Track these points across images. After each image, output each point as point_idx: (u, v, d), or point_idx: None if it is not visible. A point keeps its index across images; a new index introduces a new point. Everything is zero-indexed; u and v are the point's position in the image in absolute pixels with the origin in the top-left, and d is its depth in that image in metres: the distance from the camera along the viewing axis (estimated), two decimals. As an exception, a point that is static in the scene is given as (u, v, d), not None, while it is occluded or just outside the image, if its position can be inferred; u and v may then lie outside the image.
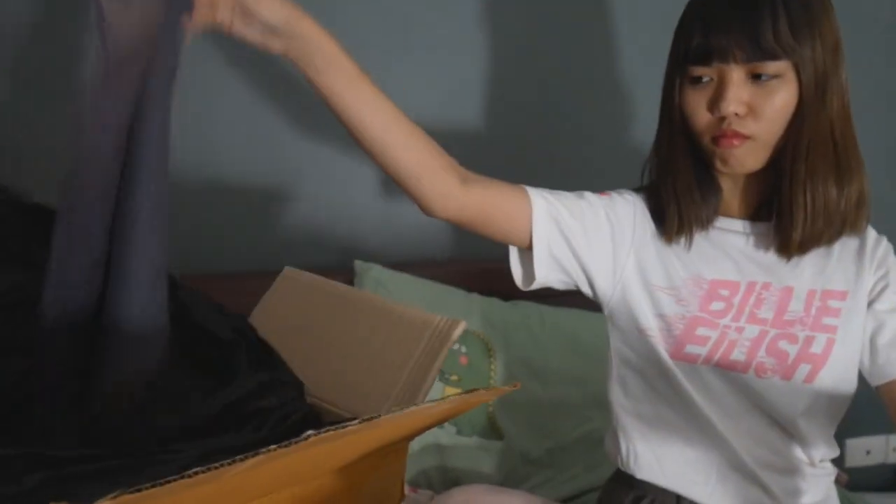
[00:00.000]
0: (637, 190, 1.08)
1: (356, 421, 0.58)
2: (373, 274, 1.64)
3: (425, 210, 0.94)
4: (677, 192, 0.98)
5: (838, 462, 2.08)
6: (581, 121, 1.86)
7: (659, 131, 1.01)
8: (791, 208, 0.93)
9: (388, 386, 0.86)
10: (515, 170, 1.80)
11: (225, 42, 1.62)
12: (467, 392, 0.71)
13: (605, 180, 1.24)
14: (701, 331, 0.98)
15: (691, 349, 0.98)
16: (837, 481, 1.82)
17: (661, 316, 1.00)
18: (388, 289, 1.62)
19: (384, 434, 0.66)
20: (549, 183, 1.80)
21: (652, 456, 1.04)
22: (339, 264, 1.73)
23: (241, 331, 0.88)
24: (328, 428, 0.56)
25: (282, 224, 1.77)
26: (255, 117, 1.72)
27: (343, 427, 0.56)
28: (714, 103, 0.90)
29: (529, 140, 1.84)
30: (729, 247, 1.01)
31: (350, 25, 1.73)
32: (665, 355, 0.99)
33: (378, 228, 1.80)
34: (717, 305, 0.99)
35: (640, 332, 1.01)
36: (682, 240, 1.01)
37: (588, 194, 1.05)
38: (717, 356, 0.97)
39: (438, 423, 0.77)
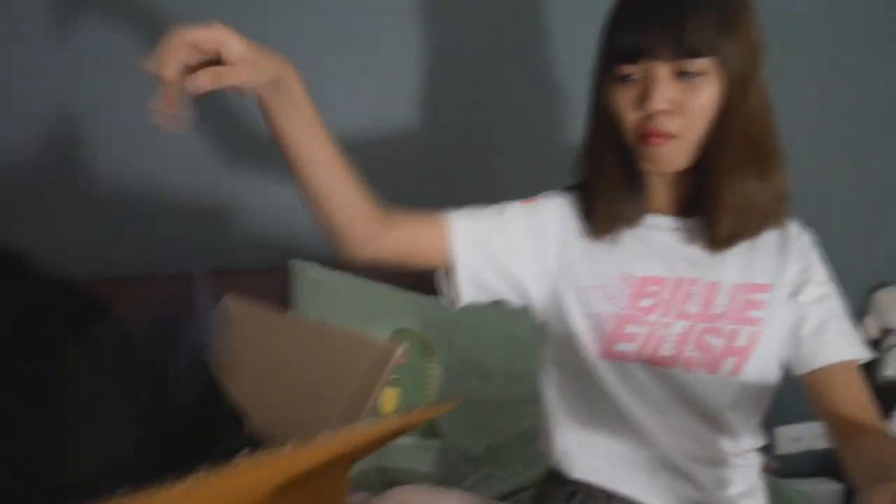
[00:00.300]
0: (568, 189, 1.09)
1: (289, 444, 0.56)
2: (310, 274, 1.61)
3: (347, 252, 0.97)
4: (605, 190, 0.99)
5: (768, 450, 2.16)
6: (517, 120, 1.86)
7: (587, 130, 1.02)
8: (717, 204, 0.95)
9: (330, 409, 0.85)
10: (451, 167, 1.82)
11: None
12: (406, 412, 0.70)
13: (540, 179, 1.25)
14: (630, 328, 0.99)
15: (621, 347, 0.99)
16: (768, 469, 1.89)
17: (591, 316, 1.01)
18: (327, 289, 1.60)
19: (319, 456, 0.64)
20: (484, 180, 1.83)
21: (584, 454, 1.06)
22: (275, 263, 1.70)
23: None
24: (260, 452, 0.54)
25: (218, 224, 1.74)
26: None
27: (275, 450, 0.55)
28: (641, 101, 0.90)
29: (464, 139, 1.84)
30: (658, 243, 1.02)
31: (283, 26, 1.70)
32: (595, 356, 1.00)
33: (316, 226, 1.77)
34: (645, 302, 1.00)
35: (571, 335, 1.02)
36: (611, 237, 1.02)
37: (511, 207, 1.06)
38: (646, 353, 0.99)
39: (381, 443, 0.76)
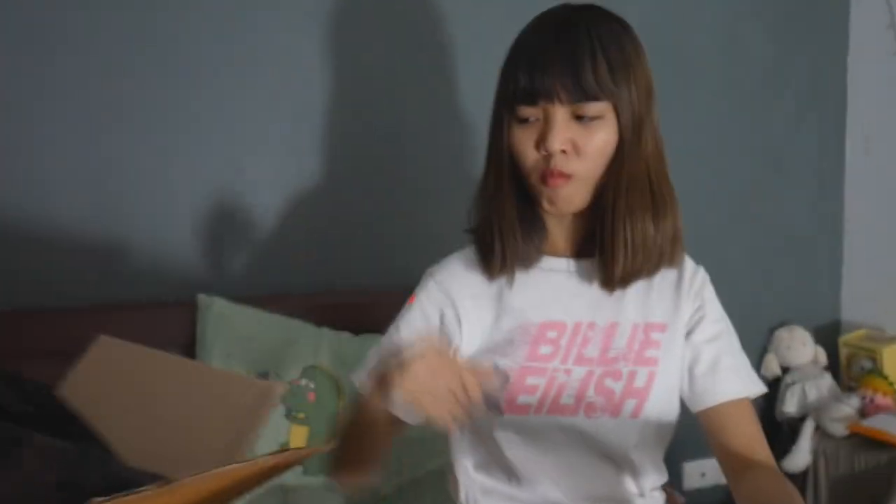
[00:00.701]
0: (467, 232, 1.08)
1: (149, 486, 0.53)
2: (216, 308, 1.57)
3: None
4: (502, 230, 0.98)
5: (676, 485, 2.20)
6: (428, 150, 1.88)
7: (486, 171, 1.01)
8: (612, 244, 0.96)
9: (205, 449, 0.82)
10: (363, 190, 1.82)
11: (53, 72, 1.55)
12: (279, 452, 0.68)
13: (449, 206, 1.25)
14: (530, 380, 0.98)
15: (523, 400, 0.98)
16: (672, 502, 1.92)
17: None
18: (233, 323, 1.56)
19: (185, 499, 0.61)
20: (396, 205, 1.82)
21: (485, 499, 1.05)
22: (181, 298, 1.65)
23: (38, 402, 0.81)
24: (117, 495, 0.51)
25: (122, 255, 1.67)
26: (91, 143, 1.62)
27: (133, 493, 0.52)
28: (540, 141, 0.92)
29: (376, 166, 1.84)
30: (554, 286, 1.02)
31: (195, 53, 1.68)
32: (499, 416, 0.99)
33: (224, 259, 1.73)
34: (545, 349, 0.99)
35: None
36: (505, 280, 1.01)
37: (399, 324, 1.04)
38: (547, 403, 0.98)
39: (258, 483, 0.73)
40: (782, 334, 2.30)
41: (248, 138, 1.73)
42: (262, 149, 1.74)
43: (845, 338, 2.31)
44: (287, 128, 1.76)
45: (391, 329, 1.04)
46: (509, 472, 1.02)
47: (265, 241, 1.77)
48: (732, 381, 1.01)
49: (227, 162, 1.72)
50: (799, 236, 2.37)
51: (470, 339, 1.02)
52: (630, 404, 0.99)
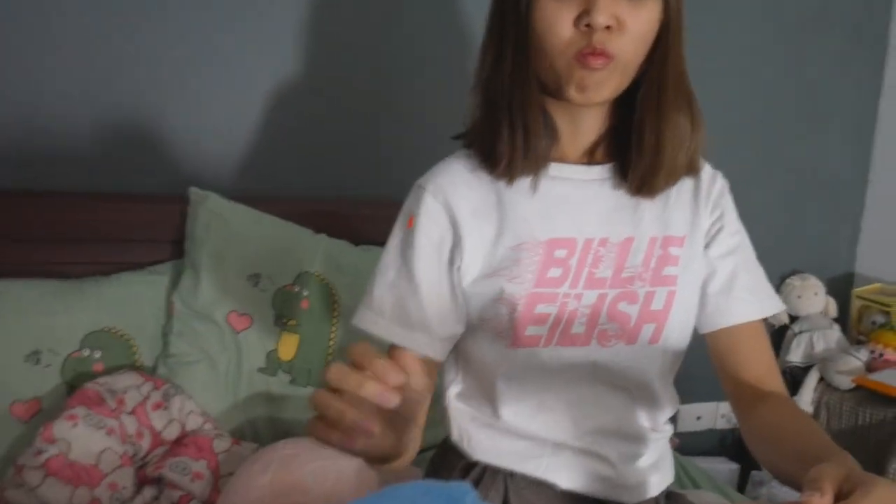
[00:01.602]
0: (457, 139, 0.95)
1: None
2: (209, 205, 1.47)
3: None
4: (525, 119, 0.85)
5: (673, 422, 2.16)
6: (426, 55, 1.75)
7: (496, 56, 0.87)
8: (658, 145, 0.86)
9: None
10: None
11: None
12: None
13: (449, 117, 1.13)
14: (541, 308, 0.88)
15: (532, 331, 0.88)
16: (670, 445, 1.87)
17: (497, 302, 0.89)
18: (227, 221, 1.47)
19: None
20: (395, 116, 1.71)
21: (485, 439, 0.96)
22: (172, 190, 1.55)
23: None
24: None
25: (112, 144, 1.57)
26: (87, 30, 1.50)
27: None
28: (582, 15, 0.80)
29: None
30: (563, 197, 0.91)
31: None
32: (504, 346, 0.90)
33: (219, 155, 1.63)
34: (554, 272, 0.89)
35: (475, 328, 0.92)
36: (508, 185, 0.89)
37: (406, 256, 0.90)
38: (557, 334, 0.89)
39: None
40: (794, 282, 2.22)
41: (245, 34, 1.60)
42: (258, 46, 1.62)
43: (859, 290, 2.24)
44: (284, 27, 1.63)
45: (398, 260, 0.91)
46: (512, 409, 0.94)
47: (260, 142, 1.66)
48: (748, 301, 0.93)
49: (222, 58, 1.60)
50: (822, 184, 2.27)
51: (471, 260, 0.91)
52: (648, 329, 0.91)
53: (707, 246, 0.94)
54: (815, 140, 2.23)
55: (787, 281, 2.24)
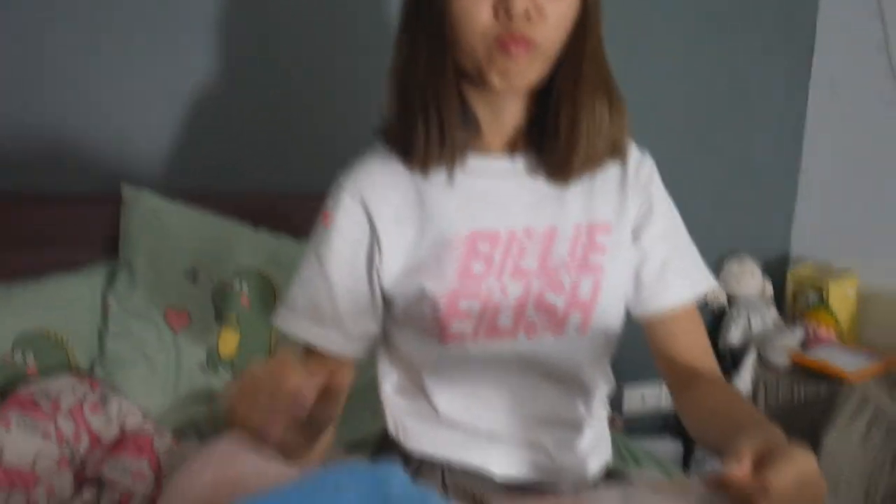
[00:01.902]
0: (375, 136, 0.94)
1: None
2: (145, 202, 1.45)
3: None
4: (440, 112, 0.85)
5: (616, 408, 2.20)
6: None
7: (410, 51, 0.87)
8: (573, 127, 0.86)
9: None
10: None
11: None
12: None
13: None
14: (464, 303, 0.88)
15: (457, 328, 0.88)
16: (613, 426, 1.91)
17: (419, 301, 0.89)
18: (163, 220, 1.45)
19: None
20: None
21: (422, 431, 0.96)
22: (103, 189, 1.52)
23: None
24: None
25: (38, 145, 1.52)
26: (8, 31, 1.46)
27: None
28: (499, 4, 0.80)
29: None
30: (484, 189, 0.90)
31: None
32: (431, 343, 0.90)
33: (150, 152, 1.60)
34: (477, 266, 0.89)
35: (401, 326, 0.93)
36: (427, 181, 0.89)
37: (320, 254, 0.90)
38: (483, 327, 0.89)
39: None
40: (731, 265, 2.28)
41: (165, 29, 1.58)
42: (178, 40, 1.59)
43: (794, 271, 2.31)
44: (207, 19, 1.61)
45: (311, 259, 0.91)
46: (445, 402, 0.94)
47: (192, 138, 1.64)
48: (681, 285, 0.94)
49: (146, 53, 1.57)
50: (756, 168, 2.34)
51: (391, 260, 0.90)
52: (575, 319, 0.90)
53: (637, 232, 0.95)
54: (746, 128, 2.29)
55: (724, 264, 2.30)
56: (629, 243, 0.94)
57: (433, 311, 0.88)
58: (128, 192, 1.46)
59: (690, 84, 2.16)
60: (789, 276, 2.30)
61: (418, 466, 0.97)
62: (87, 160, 1.55)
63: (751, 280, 2.26)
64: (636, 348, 1.03)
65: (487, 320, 0.89)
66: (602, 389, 1.01)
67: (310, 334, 0.89)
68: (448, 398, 0.94)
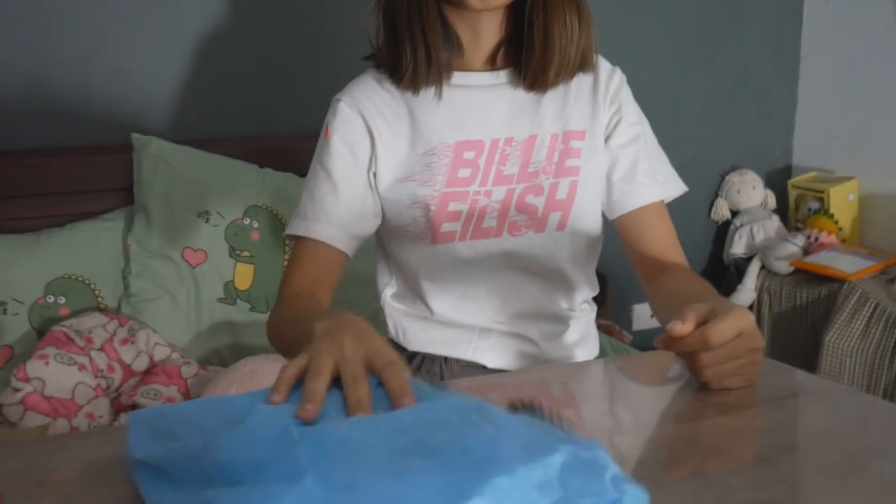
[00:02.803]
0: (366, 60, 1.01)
1: None
2: (153, 148, 1.53)
3: None
4: (424, 30, 0.92)
5: (626, 326, 2.27)
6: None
7: None
8: (547, 39, 0.93)
9: None
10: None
11: None
12: None
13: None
14: (453, 206, 0.95)
15: (446, 228, 0.96)
16: (622, 340, 1.98)
17: (412, 206, 0.97)
18: (172, 164, 1.52)
19: None
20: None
21: (419, 331, 1.05)
22: (116, 140, 1.60)
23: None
24: None
25: (50, 99, 1.60)
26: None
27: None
28: None
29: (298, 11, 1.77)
30: (468, 102, 0.97)
31: None
32: (423, 244, 0.98)
33: (158, 101, 1.67)
34: (463, 172, 0.96)
35: (396, 229, 1.00)
36: (416, 96, 0.96)
37: (323, 162, 0.96)
38: (471, 229, 0.96)
39: None
40: (733, 178, 2.32)
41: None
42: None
43: (794, 180, 2.34)
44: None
45: (316, 168, 0.97)
46: (438, 301, 1.02)
47: (197, 85, 1.70)
48: (648, 185, 1.00)
49: (155, 4, 1.63)
50: (755, 81, 2.35)
51: (385, 165, 0.97)
52: (554, 217, 0.98)
53: (608, 137, 1.01)
54: (741, 39, 2.29)
55: (727, 177, 2.34)
56: (602, 148, 1.01)
57: (425, 213, 0.96)
58: (138, 139, 1.54)
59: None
60: (790, 185, 2.34)
61: (420, 363, 1.06)
62: (99, 113, 1.63)
63: (752, 192, 2.30)
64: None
65: (475, 222, 0.97)
66: (584, 290, 1.08)
67: (318, 233, 0.94)
68: (441, 299, 1.02)
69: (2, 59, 1.55)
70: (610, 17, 1.90)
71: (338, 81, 1.62)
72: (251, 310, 1.53)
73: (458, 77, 0.97)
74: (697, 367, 0.69)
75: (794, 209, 2.34)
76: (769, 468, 0.55)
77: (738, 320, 0.69)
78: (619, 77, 1.02)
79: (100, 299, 1.49)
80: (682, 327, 0.69)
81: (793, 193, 2.33)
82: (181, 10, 1.65)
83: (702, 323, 0.70)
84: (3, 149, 1.56)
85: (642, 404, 0.72)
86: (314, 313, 0.78)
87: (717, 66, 2.28)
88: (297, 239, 0.96)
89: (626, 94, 1.02)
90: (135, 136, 1.55)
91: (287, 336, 0.86)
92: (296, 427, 0.45)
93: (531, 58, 0.94)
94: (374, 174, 0.98)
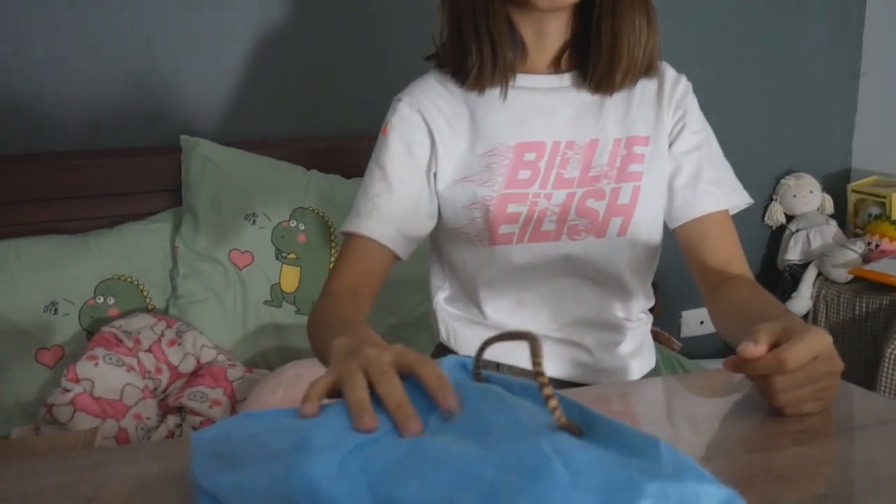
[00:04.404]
0: (427, 62, 1.00)
1: None
2: (201, 150, 1.53)
3: None
4: (491, 32, 0.91)
5: (675, 332, 2.22)
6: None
7: None
8: (615, 41, 0.91)
9: None
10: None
11: None
12: None
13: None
14: (511, 207, 0.94)
15: (505, 229, 0.94)
16: (670, 347, 1.93)
17: (471, 206, 0.96)
18: (219, 165, 1.52)
19: None
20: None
21: (472, 335, 1.03)
22: (165, 142, 1.61)
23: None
24: None
25: (101, 102, 1.62)
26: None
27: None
28: None
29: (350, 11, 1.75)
30: (530, 104, 0.96)
31: None
32: (481, 245, 0.96)
33: (207, 104, 1.67)
34: (524, 174, 0.94)
35: (454, 230, 0.98)
36: (479, 97, 0.95)
37: (379, 160, 0.95)
38: (529, 231, 0.95)
39: None
40: (789, 182, 2.25)
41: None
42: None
43: (854, 184, 2.26)
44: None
45: (372, 167, 0.97)
46: (493, 305, 1.00)
47: (246, 87, 1.70)
48: (712, 193, 0.97)
49: (203, 7, 1.63)
50: (813, 80, 2.27)
51: (445, 165, 0.96)
52: (615, 223, 0.96)
53: (671, 143, 0.98)
54: (799, 35, 2.22)
55: (783, 181, 2.27)
56: (666, 154, 0.98)
57: (483, 213, 0.94)
58: (186, 141, 1.54)
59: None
60: (850, 190, 2.26)
61: (473, 366, 1.03)
62: (148, 114, 1.64)
63: (809, 196, 2.22)
64: (692, 275, 1.06)
65: (533, 225, 0.95)
66: (641, 300, 1.05)
67: (368, 230, 0.93)
68: (495, 304, 1.00)
69: (51, 60, 1.56)
70: (659, 14, 1.85)
71: (386, 84, 1.61)
72: (297, 312, 1.52)
73: (521, 79, 0.96)
74: (771, 391, 0.65)
75: (853, 214, 2.26)
76: (856, 507, 0.51)
77: (815, 342, 0.65)
78: (684, 84, 1.00)
79: (148, 300, 1.49)
80: (756, 349, 0.65)
81: (852, 198, 2.25)
82: (229, 12, 1.65)
83: (775, 344, 0.66)
84: (54, 150, 1.58)
85: (709, 429, 0.68)
86: (340, 325, 0.79)
87: (772, 64, 2.21)
88: (348, 236, 0.95)
89: (692, 102, 1.00)
90: (183, 137, 1.55)
91: (317, 337, 0.86)
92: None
93: (598, 60, 0.93)
94: (435, 175, 0.96)
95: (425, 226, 0.98)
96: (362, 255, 0.94)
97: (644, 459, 0.41)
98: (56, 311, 1.42)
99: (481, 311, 1.02)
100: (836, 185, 2.32)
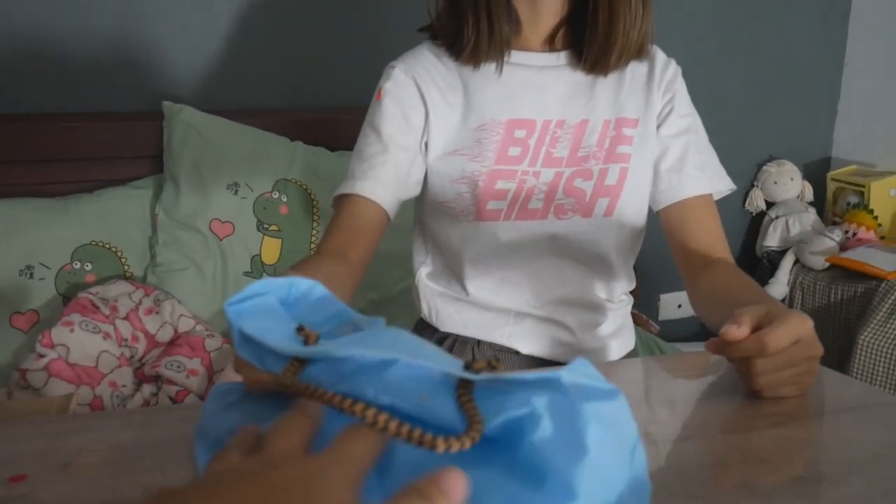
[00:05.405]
0: (421, 32, 0.99)
1: None
2: (183, 117, 1.50)
3: None
4: (490, 5, 0.90)
5: (653, 315, 2.24)
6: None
7: None
8: (611, 21, 0.91)
9: None
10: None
11: None
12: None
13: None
14: (500, 184, 0.94)
15: (493, 205, 0.94)
16: (648, 329, 1.95)
17: (459, 180, 0.95)
18: (202, 133, 1.50)
19: None
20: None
21: (454, 312, 1.03)
22: (147, 107, 1.58)
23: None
24: None
25: (83, 64, 1.58)
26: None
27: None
28: None
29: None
30: (523, 82, 0.96)
31: None
32: (467, 220, 0.96)
33: (192, 70, 1.65)
34: (513, 151, 0.94)
35: (440, 202, 0.98)
36: (472, 70, 0.95)
37: (374, 123, 0.95)
38: (516, 209, 0.94)
39: None
40: (770, 168, 2.26)
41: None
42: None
43: (834, 173, 2.28)
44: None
45: (367, 130, 0.96)
46: (476, 282, 1.00)
47: (232, 55, 1.68)
48: (697, 177, 0.98)
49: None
50: (798, 68, 2.28)
51: (437, 136, 0.96)
52: (602, 203, 0.96)
53: (659, 126, 0.99)
54: (784, 23, 2.23)
55: (764, 167, 2.28)
56: (653, 136, 0.98)
57: (471, 189, 0.94)
58: (169, 107, 1.52)
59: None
60: (829, 178, 2.28)
61: (452, 344, 1.03)
62: (131, 79, 1.61)
63: (790, 183, 2.24)
64: (671, 258, 1.06)
65: (521, 202, 0.95)
66: (624, 281, 1.06)
67: (363, 189, 0.92)
68: (478, 281, 1.00)
69: (34, 22, 1.52)
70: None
71: (374, 56, 1.60)
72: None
73: (516, 55, 0.96)
74: (751, 373, 0.66)
75: (831, 203, 2.28)
76: (834, 489, 0.52)
77: (796, 326, 0.66)
78: (674, 68, 1.00)
79: (126, 267, 1.47)
80: (738, 331, 0.66)
81: (831, 186, 2.27)
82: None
83: (757, 327, 0.67)
84: (34, 112, 1.55)
85: (688, 410, 0.68)
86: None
87: (757, 51, 2.22)
88: (342, 198, 0.93)
89: (680, 86, 1.00)
90: (166, 103, 1.52)
91: None
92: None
93: (594, 39, 0.92)
94: (426, 144, 0.96)
95: (412, 191, 0.98)
96: (355, 212, 0.92)
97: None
98: (32, 275, 1.40)
99: (464, 288, 1.02)
100: (816, 173, 2.34)
